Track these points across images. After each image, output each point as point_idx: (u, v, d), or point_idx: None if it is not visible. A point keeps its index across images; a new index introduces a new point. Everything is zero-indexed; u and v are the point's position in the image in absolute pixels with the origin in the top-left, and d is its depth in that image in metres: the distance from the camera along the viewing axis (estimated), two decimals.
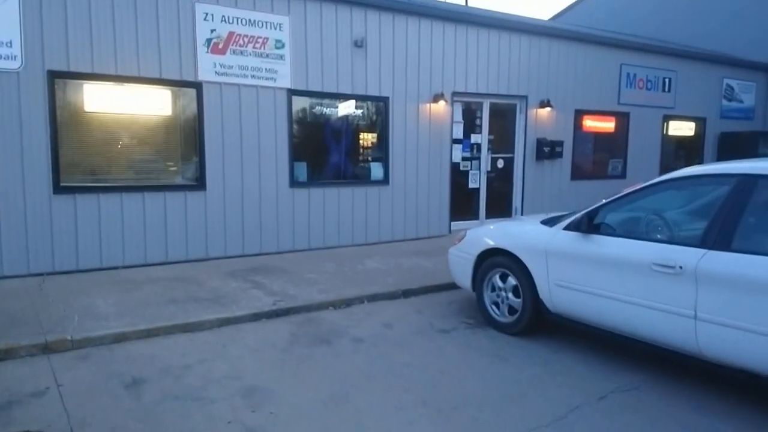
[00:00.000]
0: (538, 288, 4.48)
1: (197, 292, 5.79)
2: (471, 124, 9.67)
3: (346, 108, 8.39)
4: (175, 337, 4.71)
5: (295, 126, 7.93)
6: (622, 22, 16.05)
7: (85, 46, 6.49)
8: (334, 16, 7.99)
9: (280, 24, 7.58)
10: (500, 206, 10.19)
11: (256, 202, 7.70)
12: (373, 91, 8.43)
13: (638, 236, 3.92)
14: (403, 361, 4.21)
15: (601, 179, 11.35)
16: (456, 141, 9.43)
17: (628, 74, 11.38)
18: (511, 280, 4.74)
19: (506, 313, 4.84)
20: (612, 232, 4.07)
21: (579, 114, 10.82)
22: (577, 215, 4.29)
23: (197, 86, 7.14)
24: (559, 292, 4.32)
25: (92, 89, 6.64)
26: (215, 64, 7.20)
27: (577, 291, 4.17)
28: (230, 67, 7.29)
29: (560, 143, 10.38)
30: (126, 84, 6.77)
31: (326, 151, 8.42)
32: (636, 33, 14.28)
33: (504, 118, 10.05)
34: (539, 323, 4.68)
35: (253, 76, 7.45)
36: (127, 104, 6.82)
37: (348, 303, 5.68)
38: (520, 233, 4.78)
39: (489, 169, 9.91)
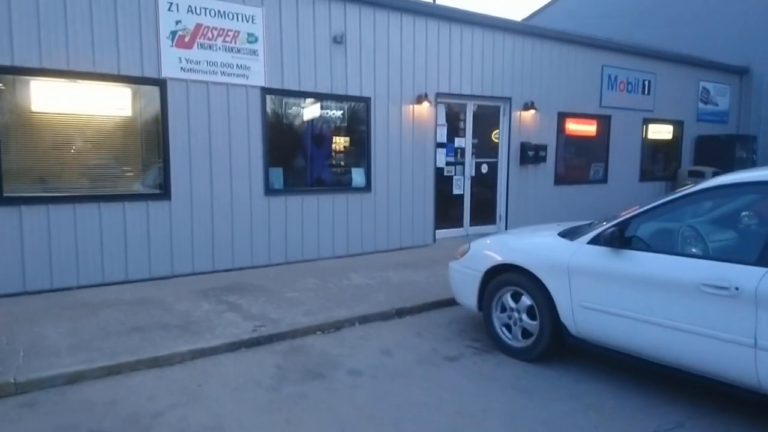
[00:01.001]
0: (559, 309, 3.98)
1: (164, 317, 5.08)
2: (455, 128, 9.20)
3: (325, 109, 7.78)
4: (140, 374, 4.02)
5: (269, 128, 7.26)
6: (593, 24, 15.88)
7: (32, 38, 5.71)
8: (312, 8, 7.38)
9: (252, 16, 6.92)
10: (484, 213, 9.75)
11: (228, 211, 7.01)
12: (353, 91, 7.84)
13: (681, 252, 3.46)
14: (412, 400, 3.64)
15: (583, 184, 11.06)
16: (440, 145, 8.92)
17: (610, 76, 11.13)
18: (526, 300, 4.23)
19: (519, 337, 4.33)
20: (647, 246, 3.61)
21: (562, 117, 10.48)
22: (605, 227, 3.80)
23: (161, 83, 6.41)
24: (584, 314, 3.82)
25: (40, 87, 5.85)
26: (181, 59, 6.49)
27: (607, 314, 3.68)
28: (198, 62, 6.60)
29: (544, 147, 10.00)
30: (79, 81, 6.01)
31: (304, 156, 7.79)
32: (608, 35, 14.09)
33: (488, 121, 9.61)
34: (558, 348, 4.18)
35: (223, 73, 6.77)
36: (80, 104, 6.05)
37: (338, 326, 5.07)
38: (535, 247, 4.27)
39: (473, 174, 9.45)
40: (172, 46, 6.44)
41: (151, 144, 6.57)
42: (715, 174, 12.11)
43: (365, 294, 5.98)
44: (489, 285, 4.52)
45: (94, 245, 6.17)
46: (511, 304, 4.35)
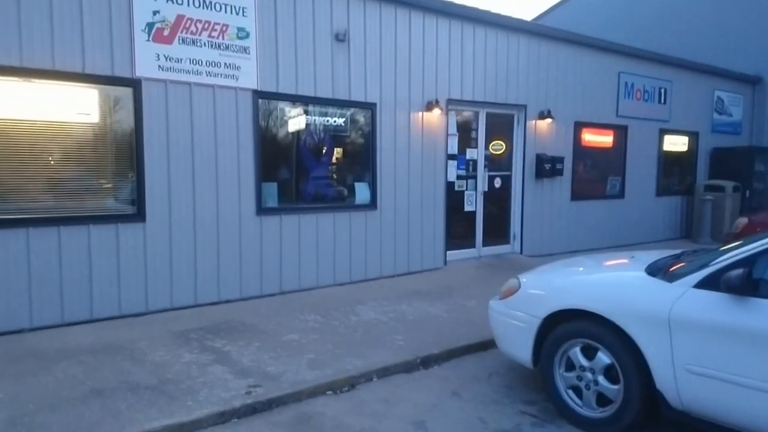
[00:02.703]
0: (654, 372, 3.03)
1: (134, 374, 4.04)
2: (466, 138, 8.30)
3: (326, 116, 6.81)
4: None
5: (262, 137, 6.28)
6: (601, 30, 15.18)
7: None
8: (311, 0, 6.45)
9: (243, 8, 5.97)
10: (497, 232, 8.82)
11: (213, 234, 5.99)
12: (357, 96, 6.90)
13: None
14: None
15: (600, 199, 10.21)
16: (451, 156, 8.01)
17: (626, 83, 10.34)
18: (603, 358, 3.29)
19: (593, 404, 3.37)
20: None
21: (579, 127, 9.65)
22: (720, 265, 2.88)
23: (134, 84, 5.41)
24: (693, 381, 2.89)
25: None
26: (159, 56, 5.50)
27: (730, 383, 2.75)
28: (179, 60, 5.61)
29: (561, 159, 9.15)
30: (35, 80, 4.98)
31: (301, 169, 6.80)
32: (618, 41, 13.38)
33: (501, 130, 8.72)
34: (647, 420, 3.24)
35: (208, 73, 5.79)
36: (36, 108, 5.02)
37: (352, 382, 4.07)
38: (617, 288, 3.32)
39: (486, 189, 8.54)
40: (148, 40, 5.46)
41: (122, 155, 5.54)
42: (735, 189, 11.40)
43: (379, 335, 4.99)
44: (550, 334, 3.57)
45: (51, 277, 5.11)
46: (582, 361, 3.40)
